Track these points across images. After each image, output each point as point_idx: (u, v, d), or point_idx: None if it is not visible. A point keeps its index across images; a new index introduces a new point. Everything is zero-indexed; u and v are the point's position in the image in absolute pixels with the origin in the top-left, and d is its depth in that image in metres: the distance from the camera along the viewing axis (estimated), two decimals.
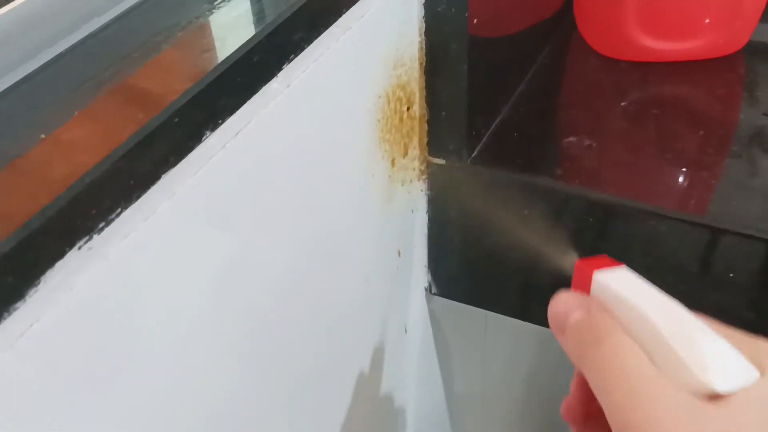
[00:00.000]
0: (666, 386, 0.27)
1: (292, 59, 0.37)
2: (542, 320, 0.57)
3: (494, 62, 0.53)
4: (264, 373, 0.40)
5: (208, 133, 0.32)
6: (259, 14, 0.37)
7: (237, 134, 0.34)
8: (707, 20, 0.59)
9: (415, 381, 0.63)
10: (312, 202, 0.41)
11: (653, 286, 0.32)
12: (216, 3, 0.37)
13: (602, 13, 0.61)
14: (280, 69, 0.36)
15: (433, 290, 0.60)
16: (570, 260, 0.52)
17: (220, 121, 0.33)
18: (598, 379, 0.29)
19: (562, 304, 0.33)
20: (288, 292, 0.41)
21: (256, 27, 0.35)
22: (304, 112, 0.38)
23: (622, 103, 0.57)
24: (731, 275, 0.48)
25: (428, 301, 0.61)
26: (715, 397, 0.27)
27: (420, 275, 0.58)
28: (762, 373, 0.28)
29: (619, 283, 0.32)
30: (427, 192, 0.54)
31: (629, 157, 0.53)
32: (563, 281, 0.54)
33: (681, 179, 0.51)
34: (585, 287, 0.33)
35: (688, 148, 0.53)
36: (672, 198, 0.49)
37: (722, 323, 0.31)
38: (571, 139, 0.54)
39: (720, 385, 0.27)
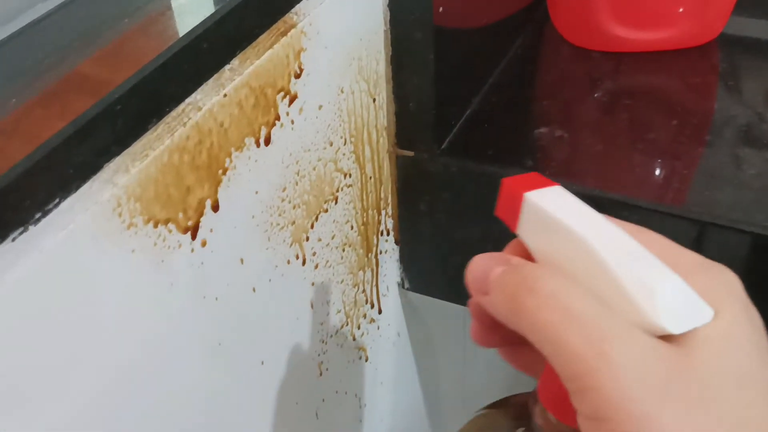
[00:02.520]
0: (626, 327, 0.24)
1: (245, 47, 0.36)
2: None
3: (464, 53, 0.53)
4: (230, 363, 0.39)
5: (154, 121, 0.31)
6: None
7: (186, 123, 0.33)
8: (680, 9, 0.58)
9: (391, 382, 0.62)
10: (271, 195, 0.40)
11: (591, 208, 0.28)
12: None
13: (574, 2, 0.60)
14: (233, 56, 0.35)
15: (407, 285, 0.59)
16: None
17: (167, 110, 0.32)
18: (542, 332, 0.25)
19: (480, 265, 0.29)
20: (254, 280, 0.40)
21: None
22: None
23: (595, 95, 0.56)
24: None
25: (402, 297, 0.60)
26: (667, 338, 0.25)
27: (393, 269, 0.57)
28: (717, 311, 0.25)
29: (555, 206, 0.27)
30: (396, 185, 0.53)
31: (601, 148, 0.52)
32: None
33: (654, 169, 0.50)
34: (513, 210, 0.29)
35: (662, 138, 0.52)
36: (644, 188, 0.49)
37: (672, 241, 0.28)
38: (543, 129, 0.53)
39: (671, 325, 0.24)
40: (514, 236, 0.52)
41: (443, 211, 0.53)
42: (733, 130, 0.53)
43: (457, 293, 0.58)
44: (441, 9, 0.46)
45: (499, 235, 0.53)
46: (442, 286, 0.58)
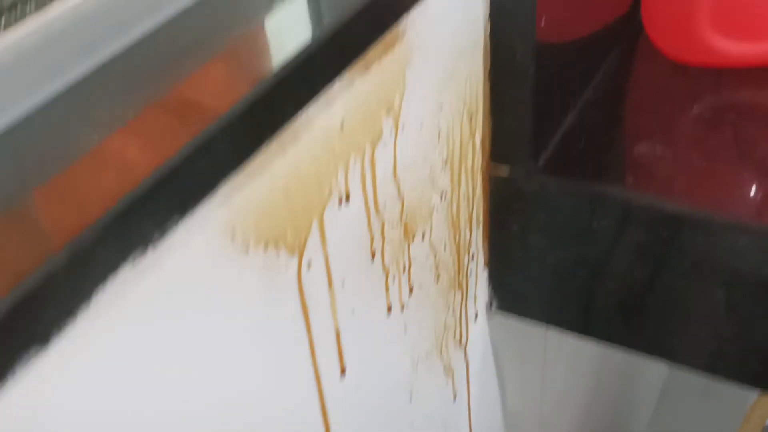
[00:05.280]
0: None
1: (354, 62, 0.34)
2: (605, 335, 0.54)
3: (561, 66, 0.51)
4: (325, 378, 0.38)
5: (267, 140, 0.30)
6: (316, 15, 0.35)
7: (297, 142, 0.31)
8: None
9: (475, 401, 0.60)
10: (373, 215, 0.38)
11: None
12: (272, 2, 0.35)
13: (672, 13, 0.58)
14: (342, 72, 0.34)
15: (494, 305, 0.57)
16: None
17: (280, 128, 0.31)
18: None
19: None
20: (353, 301, 0.38)
21: (313, 29, 0.33)
22: None
23: (694, 109, 0.54)
24: None
25: (489, 317, 0.58)
26: None
27: (481, 289, 0.55)
28: None
29: None
30: (488, 203, 0.52)
31: (704, 165, 0.49)
32: (629, 294, 0.51)
33: (763, 188, 0.48)
34: None
35: None
36: (753, 208, 0.46)
37: None
38: (642, 146, 0.51)
39: None
40: (607, 260, 0.50)
41: (537, 231, 0.52)
42: None
43: (548, 314, 0.56)
44: (543, 22, 0.45)
45: (594, 258, 0.51)
46: (532, 307, 0.56)
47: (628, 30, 0.62)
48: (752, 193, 0.47)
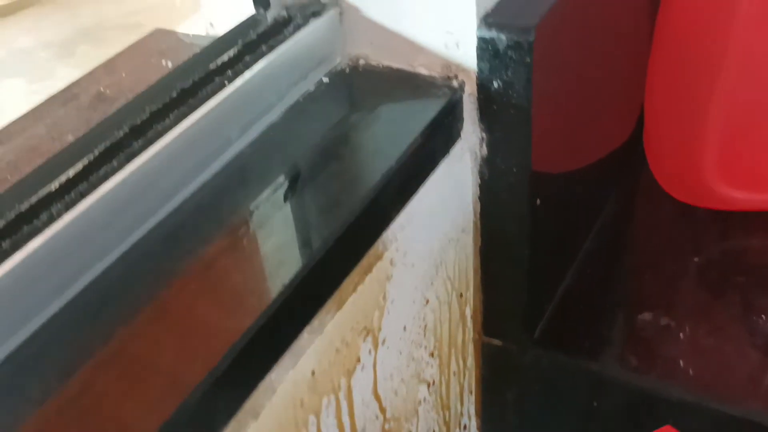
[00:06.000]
0: None
1: (327, 300, 0.31)
2: None
3: (557, 233, 0.47)
4: None
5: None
6: (305, 243, 0.31)
7: (258, 415, 0.28)
8: None
9: None
10: None
11: None
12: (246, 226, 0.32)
13: (678, 155, 0.54)
14: (313, 316, 0.31)
15: None
16: None
17: (236, 407, 0.27)
18: None
19: None
20: None
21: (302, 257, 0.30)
22: None
23: (701, 269, 0.50)
24: None
25: None
26: None
27: None
28: None
29: None
30: (480, 373, 0.48)
31: (712, 342, 0.46)
32: None
33: None
34: None
35: None
36: (764, 398, 0.43)
37: None
38: (645, 316, 0.47)
39: None
40: None
41: (532, 402, 0.48)
42: None
43: None
44: (538, 201, 0.42)
45: None
46: None
47: (631, 163, 0.58)
48: (762, 380, 0.44)
